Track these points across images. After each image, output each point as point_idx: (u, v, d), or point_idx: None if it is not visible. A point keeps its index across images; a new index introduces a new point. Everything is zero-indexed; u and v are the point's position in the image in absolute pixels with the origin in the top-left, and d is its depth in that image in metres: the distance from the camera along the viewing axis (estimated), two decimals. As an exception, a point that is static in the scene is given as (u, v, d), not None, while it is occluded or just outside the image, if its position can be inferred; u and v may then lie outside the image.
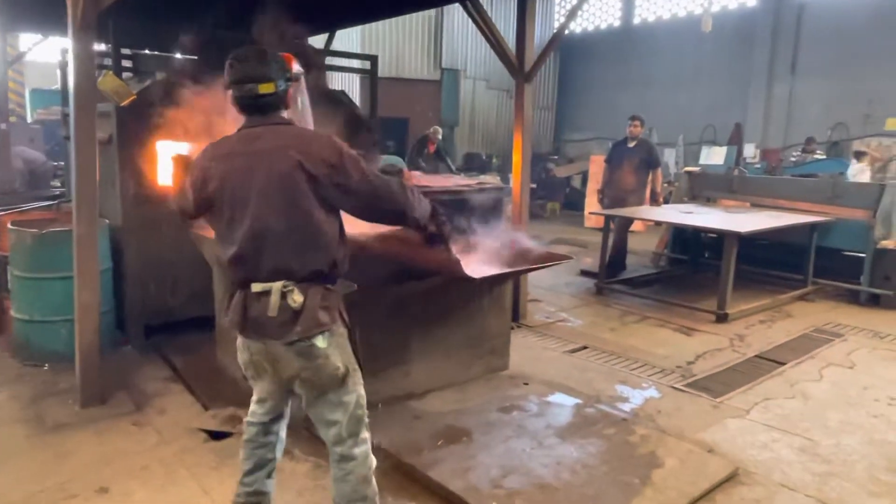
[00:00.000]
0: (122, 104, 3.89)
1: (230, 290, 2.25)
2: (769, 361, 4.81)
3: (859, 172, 9.28)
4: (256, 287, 2.11)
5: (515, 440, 3.30)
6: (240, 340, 2.29)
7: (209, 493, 2.87)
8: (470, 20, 5.52)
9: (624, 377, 4.45)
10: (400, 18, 12.94)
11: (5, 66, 7.22)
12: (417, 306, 3.68)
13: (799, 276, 6.97)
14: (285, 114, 2.23)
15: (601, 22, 17.55)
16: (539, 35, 7.92)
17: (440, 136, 9.97)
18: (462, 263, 2.89)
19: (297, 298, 2.07)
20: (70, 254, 3.58)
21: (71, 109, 3.57)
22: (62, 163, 8.20)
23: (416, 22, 14.17)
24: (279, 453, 2.52)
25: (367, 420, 2.34)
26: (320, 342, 2.12)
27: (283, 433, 2.51)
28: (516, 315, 5.38)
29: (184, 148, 4.64)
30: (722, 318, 5.79)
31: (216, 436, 3.37)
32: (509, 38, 5.56)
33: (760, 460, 3.31)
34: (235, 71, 2.13)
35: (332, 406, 2.24)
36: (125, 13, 4.10)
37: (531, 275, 5.31)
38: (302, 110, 2.47)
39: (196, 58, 5.12)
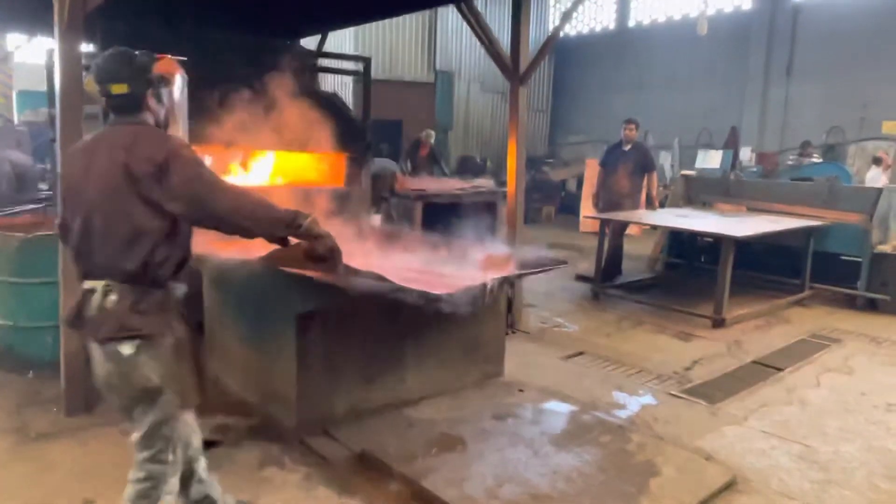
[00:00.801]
0: (110, 106, 3.81)
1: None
2: (767, 367, 4.77)
3: (876, 178, 9.26)
4: (86, 284, 2.10)
5: (511, 448, 3.24)
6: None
7: None
8: (464, 22, 5.47)
9: (620, 383, 4.40)
10: (393, 20, 12.91)
11: (-9, 67, 7.13)
12: (411, 312, 3.61)
13: (796, 280, 6.93)
14: (150, 117, 2.17)
15: (596, 24, 17.56)
16: (534, 37, 7.91)
17: (433, 140, 9.90)
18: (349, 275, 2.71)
19: (111, 299, 2.03)
20: (56, 259, 3.50)
21: (57, 111, 3.50)
22: (49, 165, 8.10)
23: (410, 23, 14.13)
24: (192, 456, 2.40)
25: (172, 455, 2.20)
26: (126, 349, 2.03)
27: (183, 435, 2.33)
28: (511, 321, 5.33)
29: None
30: (719, 324, 5.75)
31: (205, 445, 3.28)
32: (504, 40, 5.52)
33: (759, 468, 3.26)
34: (95, 70, 2.12)
35: (141, 417, 2.15)
36: (113, 14, 4.04)
37: (526, 280, 5.25)
38: (174, 114, 2.37)
39: (185, 59, 5.06)
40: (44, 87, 7.29)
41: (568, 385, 4.26)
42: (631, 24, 16.68)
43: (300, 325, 3.24)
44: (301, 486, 2.96)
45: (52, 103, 4.93)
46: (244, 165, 5.52)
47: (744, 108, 14.05)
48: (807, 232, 6.69)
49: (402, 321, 3.62)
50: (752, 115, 13.94)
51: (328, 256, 2.32)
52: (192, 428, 2.37)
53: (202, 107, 4.75)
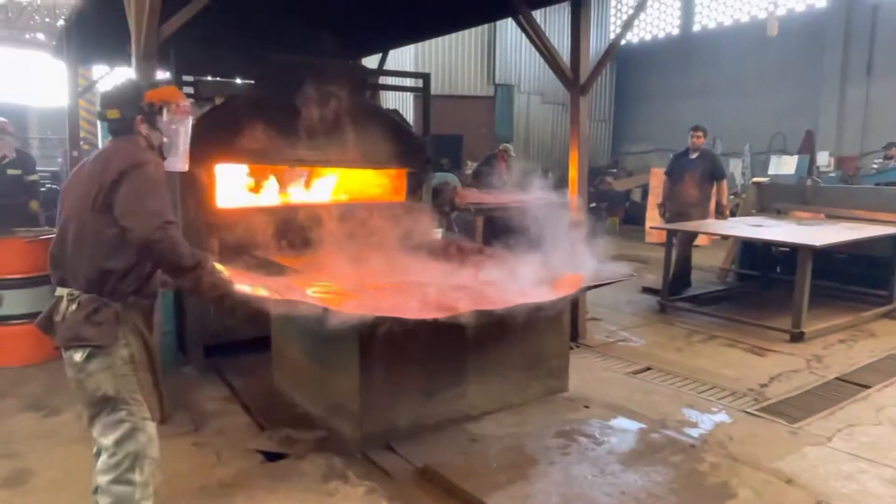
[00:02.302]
0: (182, 129, 4.00)
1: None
2: (852, 384, 4.47)
3: None
4: (58, 291, 2.22)
5: (576, 466, 3.15)
6: None
7: (263, 516, 2.85)
8: (523, 35, 5.45)
9: (691, 400, 4.22)
10: (452, 35, 13.02)
11: (77, 96, 7.62)
12: (472, 327, 3.59)
13: (882, 291, 6.50)
14: (141, 140, 2.28)
15: (659, 31, 17.18)
16: (594, 46, 7.81)
17: (512, 154, 9.69)
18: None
19: (72, 308, 2.13)
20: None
21: (134, 136, 3.69)
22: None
23: (469, 38, 14.22)
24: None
25: (143, 466, 2.23)
26: (77, 356, 2.13)
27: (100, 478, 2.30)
28: (575, 335, 5.22)
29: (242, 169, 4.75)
30: (797, 338, 5.45)
31: (271, 457, 3.37)
32: (563, 50, 5.46)
33: (845, 493, 3.04)
34: (99, 98, 2.40)
35: (103, 428, 2.22)
36: (186, 42, 4.25)
37: (590, 293, 5.14)
38: (177, 143, 2.44)
39: (254, 82, 5.26)
40: (124, 114, 7.73)
41: (635, 401, 4.12)
42: (696, 28, 16.22)
43: (363, 339, 3.27)
44: (364, 499, 2.97)
45: (131, 128, 5.22)
46: (308, 183, 5.67)
47: (819, 110, 13.37)
48: (893, 240, 6.27)
49: (464, 335, 3.59)
50: (829, 118, 13.24)
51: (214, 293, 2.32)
52: (155, 446, 2.35)
53: (266, 126, 4.92)
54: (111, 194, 2.08)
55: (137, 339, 2.23)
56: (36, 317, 4.65)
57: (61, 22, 8.77)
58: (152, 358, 2.27)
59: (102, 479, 2.24)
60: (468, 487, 2.94)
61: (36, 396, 4.21)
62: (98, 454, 2.35)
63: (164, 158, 2.37)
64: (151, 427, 2.28)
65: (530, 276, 3.66)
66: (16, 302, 4.71)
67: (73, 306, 2.12)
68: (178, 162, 2.46)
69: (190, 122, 2.42)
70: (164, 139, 2.35)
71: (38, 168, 7.60)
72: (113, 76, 8.59)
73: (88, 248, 2.13)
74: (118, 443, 2.21)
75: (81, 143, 8.61)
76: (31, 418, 3.89)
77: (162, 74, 5.07)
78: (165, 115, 2.31)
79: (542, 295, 3.47)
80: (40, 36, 15.00)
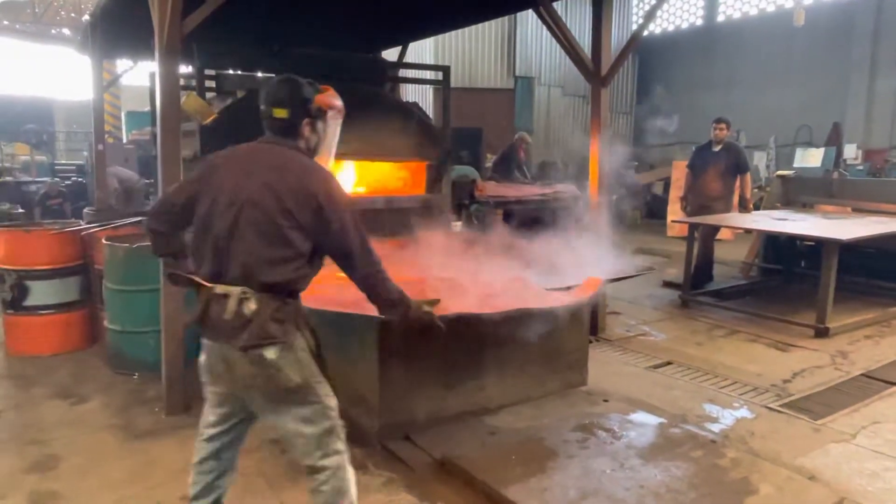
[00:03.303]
0: (205, 123, 4.04)
1: (182, 283, 2.24)
2: (878, 381, 4.40)
3: None
4: (219, 289, 2.13)
5: (594, 460, 3.14)
6: (203, 343, 2.26)
7: (285, 505, 2.89)
8: (543, 26, 5.41)
9: (712, 395, 4.18)
10: (472, 28, 12.95)
11: (101, 90, 7.73)
12: (491, 319, 3.59)
13: (910, 287, 6.38)
14: (301, 143, 2.27)
15: (682, 21, 16.93)
16: (616, 37, 7.71)
17: (529, 140, 9.68)
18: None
19: (250, 307, 2.08)
20: (158, 267, 3.73)
21: (158, 129, 3.74)
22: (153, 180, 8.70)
23: (489, 31, 14.15)
24: (227, 482, 2.41)
25: (341, 433, 2.30)
26: (269, 353, 2.10)
27: (236, 462, 2.42)
28: (595, 328, 5.19)
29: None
30: (822, 333, 5.37)
31: (291, 447, 3.40)
32: (584, 41, 5.41)
33: (870, 491, 3.00)
34: (263, 93, 2.27)
35: (295, 420, 2.22)
36: (209, 36, 4.28)
37: (610, 287, 5.11)
38: (328, 144, 2.46)
39: (275, 75, 5.29)
40: (149, 108, 7.84)
41: (655, 396, 4.10)
42: (720, 19, 15.96)
43: (382, 331, 3.29)
44: (383, 490, 3.00)
45: (154, 122, 5.30)
46: (329, 176, 5.68)
47: (847, 102, 13.09)
48: (923, 234, 6.13)
49: (482, 328, 3.60)
50: (858, 110, 12.95)
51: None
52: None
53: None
54: (306, 220, 2.10)
55: (306, 329, 2.27)
56: (64, 307, 4.76)
57: (86, 17, 8.90)
58: (318, 344, 2.31)
59: (310, 461, 2.27)
60: (486, 479, 2.94)
61: (64, 385, 4.31)
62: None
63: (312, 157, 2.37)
64: (335, 402, 2.32)
65: (551, 271, 3.65)
66: (44, 293, 4.81)
67: (252, 305, 2.09)
68: (327, 162, 2.49)
69: (340, 121, 2.45)
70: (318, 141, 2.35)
71: (63, 161, 7.73)
72: (136, 70, 8.70)
73: (268, 254, 2.10)
74: (316, 422, 2.24)
75: (106, 136, 8.74)
76: (60, 406, 3.98)
77: (185, 68, 5.13)
78: (328, 118, 2.35)
79: (563, 296, 3.47)
80: (66, 31, 15.23)
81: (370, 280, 2.23)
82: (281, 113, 2.20)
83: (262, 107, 2.23)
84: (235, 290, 2.10)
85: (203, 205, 2.17)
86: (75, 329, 4.98)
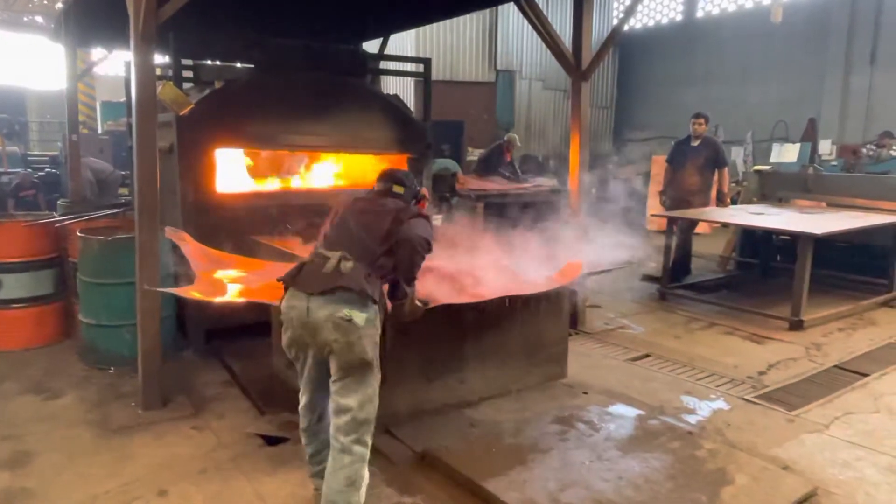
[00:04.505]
0: (181, 113, 3.98)
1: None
2: (850, 372, 4.49)
3: None
4: (322, 251, 2.59)
5: (574, 452, 3.17)
6: (284, 307, 2.57)
7: (265, 499, 2.87)
8: (525, 20, 5.40)
9: (690, 388, 4.23)
10: (454, 21, 12.90)
11: (75, 80, 7.56)
12: (472, 312, 3.60)
13: (882, 280, 6.51)
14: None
15: (662, 17, 17.04)
16: (597, 32, 7.73)
17: (518, 144, 9.69)
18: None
19: (347, 265, 2.51)
20: (133, 260, 3.67)
21: (133, 119, 3.67)
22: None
23: (471, 24, 14.10)
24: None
25: (372, 428, 2.56)
26: (358, 318, 2.44)
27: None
28: (574, 322, 5.23)
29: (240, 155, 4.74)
30: (796, 326, 5.46)
31: (271, 441, 3.39)
32: (566, 36, 5.42)
33: (842, 480, 3.07)
34: (394, 175, 2.99)
35: (349, 390, 2.50)
36: (185, 25, 4.21)
37: (590, 280, 5.14)
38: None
39: (254, 66, 5.22)
40: (124, 98, 7.70)
41: (634, 388, 4.14)
42: (699, 14, 16.09)
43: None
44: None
45: (130, 113, 5.20)
46: (308, 167, 5.64)
47: (822, 98, 13.29)
48: (894, 229, 6.26)
49: (463, 321, 3.60)
50: (832, 106, 13.16)
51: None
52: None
53: (267, 111, 4.90)
54: (398, 226, 2.66)
55: (383, 313, 2.63)
56: (37, 300, 4.70)
57: (59, 4, 8.70)
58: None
59: (345, 439, 2.49)
60: (467, 472, 2.95)
61: (36, 380, 4.23)
62: (317, 417, 2.74)
63: None
64: (377, 401, 2.60)
65: (532, 262, 3.66)
66: (16, 286, 4.71)
67: (349, 264, 2.50)
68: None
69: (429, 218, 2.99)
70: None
71: (36, 152, 7.54)
72: (111, 59, 8.52)
73: (364, 242, 2.62)
74: (361, 405, 2.51)
75: (81, 127, 8.56)
76: (32, 401, 3.91)
77: (161, 58, 5.03)
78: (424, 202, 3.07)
79: (545, 283, 3.48)
80: (38, 19, 14.87)
81: (415, 250, 2.66)
82: (399, 189, 2.88)
83: (388, 182, 2.91)
84: (335, 254, 2.55)
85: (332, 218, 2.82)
86: (49, 323, 4.89)
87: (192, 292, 3.31)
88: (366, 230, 2.68)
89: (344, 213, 2.79)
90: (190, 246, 3.72)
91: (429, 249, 2.72)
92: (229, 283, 3.49)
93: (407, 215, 2.73)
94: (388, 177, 2.97)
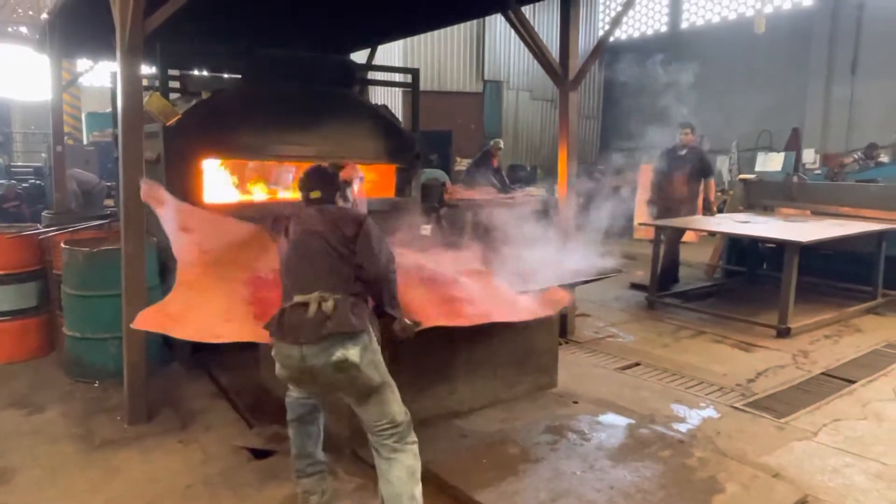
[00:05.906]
0: (168, 124, 3.95)
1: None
2: (837, 379, 4.52)
3: None
4: (297, 298, 2.49)
5: (565, 462, 3.16)
6: (277, 356, 2.55)
7: (251, 514, 2.83)
8: (512, 31, 5.44)
9: (679, 396, 4.24)
10: (441, 31, 12.96)
11: (60, 90, 7.50)
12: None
13: (867, 287, 6.57)
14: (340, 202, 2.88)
15: (647, 28, 17.25)
16: (583, 43, 7.81)
17: (501, 146, 9.81)
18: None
19: (329, 305, 2.44)
20: (119, 272, 3.63)
21: (119, 130, 3.64)
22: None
23: (458, 34, 14.19)
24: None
25: (410, 424, 2.61)
26: (353, 356, 2.42)
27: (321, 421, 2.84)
28: (564, 331, 5.23)
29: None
30: (783, 333, 5.49)
31: (259, 454, 3.35)
32: (553, 46, 5.46)
33: (832, 487, 3.07)
34: (299, 181, 2.87)
35: (371, 411, 2.55)
36: (172, 36, 4.19)
37: (579, 289, 5.15)
38: (357, 202, 3.15)
39: (241, 77, 5.21)
40: (110, 109, 7.64)
41: (624, 397, 4.14)
42: (684, 26, 16.30)
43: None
44: (354, 496, 2.96)
45: (116, 124, 5.16)
46: (296, 178, 5.61)
47: (806, 108, 13.49)
48: (878, 236, 6.33)
49: (453, 332, 3.58)
50: (815, 116, 13.36)
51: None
52: None
53: (254, 121, 4.88)
54: (352, 243, 2.59)
55: (376, 328, 2.66)
56: (20, 313, 4.63)
57: (45, 15, 8.65)
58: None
59: (392, 443, 2.54)
60: (458, 484, 2.93)
61: (20, 394, 4.16)
62: (307, 409, 2.78)
63: None
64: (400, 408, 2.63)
65: (519, 276, 3.65)
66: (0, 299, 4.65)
67: (329, 304, 2.43)
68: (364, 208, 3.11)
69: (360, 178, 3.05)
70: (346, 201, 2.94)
71: (20, 163, 7.48)
72: (97, 70, 8.47)
73: (330, 266, 2.56)
74: (388, 415, 2.55)
75: (66, 137, 8.49)
76: (15, 416, 3.84)
77: (147, 68, 5.01)
78: (355, 186, 3.01)
79: (531, 302, 3.48)
80: (23, 29, 14.76)
81: (385, 282, 2.67)
82: (316, 194, 2.78)
83: (301, 191, 2.83)
84: (313, 296, 2.46)
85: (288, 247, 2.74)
86: (32, 336, 4.82)
87: (180, 330, 3.00)
88: (321, 257, 2.59)
89: (293, 243, 2.69)
90: (169, 209, 3.37)
91: (394, 264, 2.71)
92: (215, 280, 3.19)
93: (349, 227, 2.63)
94: (304, 186, 2.85)
